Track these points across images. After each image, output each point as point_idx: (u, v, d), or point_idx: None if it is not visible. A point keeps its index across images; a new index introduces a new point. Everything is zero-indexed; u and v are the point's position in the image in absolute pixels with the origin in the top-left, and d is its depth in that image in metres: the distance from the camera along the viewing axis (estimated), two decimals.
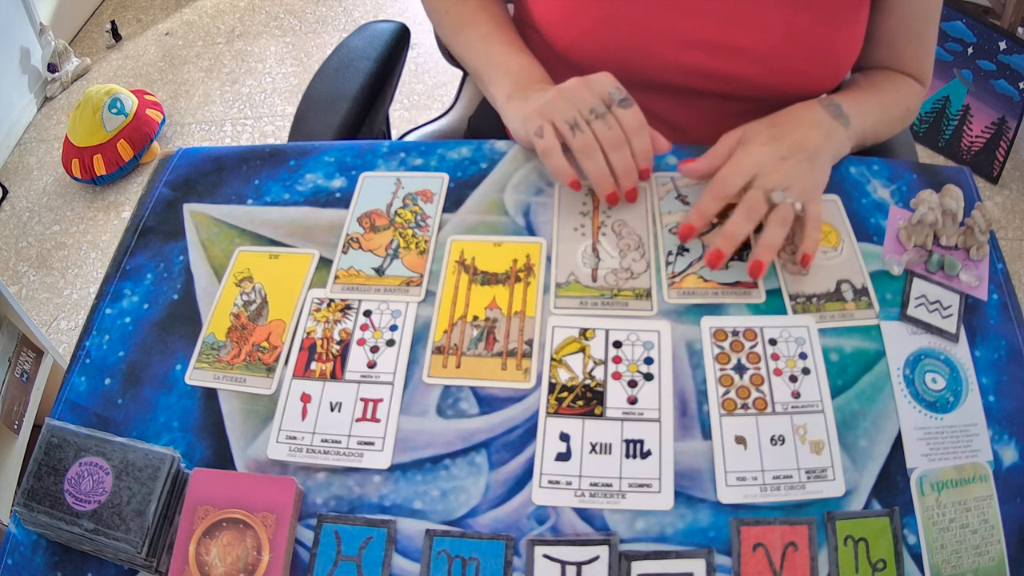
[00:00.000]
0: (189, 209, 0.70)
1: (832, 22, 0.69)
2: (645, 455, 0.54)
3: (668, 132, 0.77)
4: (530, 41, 0.78)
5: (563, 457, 0.54)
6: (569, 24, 0.72)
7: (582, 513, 0.52)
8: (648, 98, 0.76)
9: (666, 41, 0.70)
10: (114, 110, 1.95)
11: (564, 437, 0.55)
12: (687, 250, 0.64)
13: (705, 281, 0.62)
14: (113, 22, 2.44)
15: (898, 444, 0.54)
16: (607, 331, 0.60)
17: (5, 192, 2.02)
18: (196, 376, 0.59)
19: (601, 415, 0.56)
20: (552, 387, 0.57)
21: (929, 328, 0.60)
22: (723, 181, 0.62)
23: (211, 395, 0.58)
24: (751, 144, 0.64)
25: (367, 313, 0.62)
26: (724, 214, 0.63)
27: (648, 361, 0.58)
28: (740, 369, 0.58)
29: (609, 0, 0.70)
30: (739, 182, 0.62)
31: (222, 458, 0.55)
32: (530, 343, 0.59)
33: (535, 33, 0.77)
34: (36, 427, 1.37)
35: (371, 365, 0.59)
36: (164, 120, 2.09)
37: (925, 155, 1.93)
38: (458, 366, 0.59)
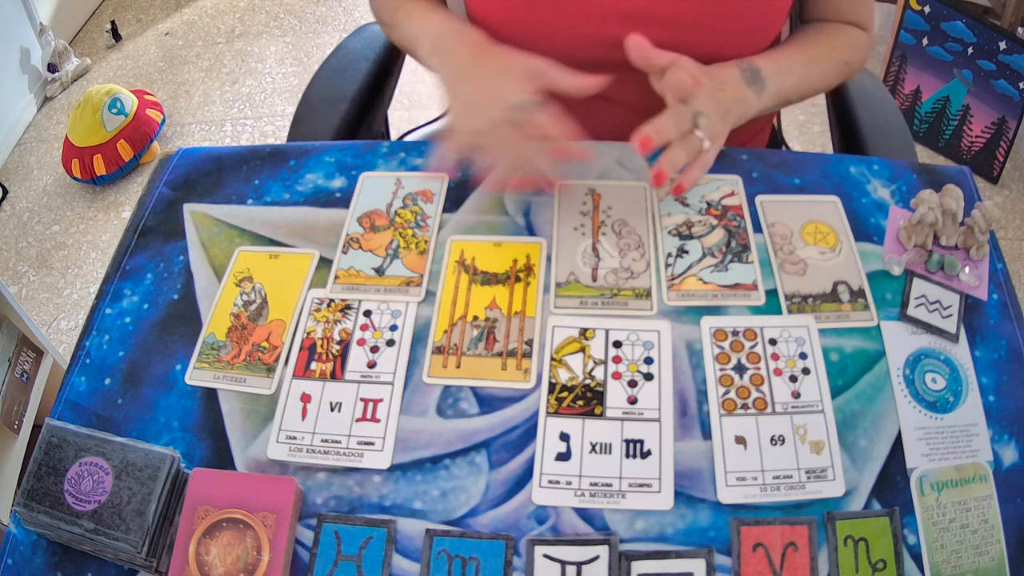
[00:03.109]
0: (189, 209, 0.70)
1: None
2: (645, 455, 0.54)
3: (623, 112, 0.78)
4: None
5: (563, 457, 0.54)
6: (494, 12, 0.73)
7: (582, 513, 0.52)
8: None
9: (585, 17, 0.71)
10: (114, 110, 1.95)
11: (564, 437, 0.55)
12: (687, 252, 0.64)
13: (704, 283, 0.62)
14: (113, 22, 2.44)
15: (898, 444, 0.54)
16: (607, 331, 0.60)
17: (5, 192, 2.02)
18: (196, 376, 0.59)
19: (601, 415, 0.56)
20: (552, 387, 0.57)
21: (929, 328, 0.60)
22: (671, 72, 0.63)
23: (211, 395, 0.58)
24: (687, 68, 0.65)
25: (367, 313, 0.62)
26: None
27: (648, 361, 0.58)
28: (740, 369, 0.58)
29: None
30: (686, 77, 0.63)
31: (222, 458, 0.55)
32: (530, 343, 0.59)
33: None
34: (36, 427, 1.37)
35: (371, 365, 0.59)
36: (164, 120, 2.09)
37: (925, 155, 1.93)
38: (458, 366, 0.59)
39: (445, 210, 0.68)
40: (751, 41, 0.72)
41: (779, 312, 0.60)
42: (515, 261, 0.64)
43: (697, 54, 0.72)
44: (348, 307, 0.62)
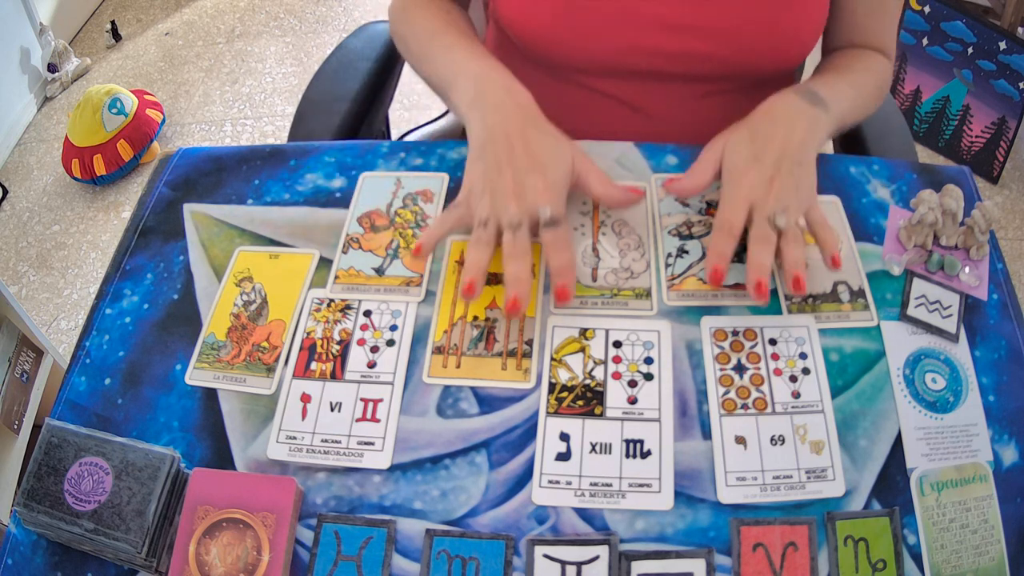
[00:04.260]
0: (189, 209, 0.70)
1: None
2: (645, 455, 0.54)
3: (638, 119, 0.77)
4: (501, 37, 0.78)
5: (563, 457, 0.54)
6: (530, 17, 0.72)
7: (582, 513, 0.52)
8: (614, 84, 0.76)
9: (624, 26, 0.71)
10: (114, 110, 1.95)
11: (564, 437, 0.55)
12: (687, 252, 0.64)
13: (705, 283, 0.62)
14: (113, 22, 2.45)
15: (898, 444, 0.54)
16: (607, 331, 0.60)
17: (5, 192, 2.02)
18: (196, 376, 0.59)
19: (601, 415, 0.56)
20: (552, 387, 0.57)
21: (929, 328, 0.60)
22: (727, 222, 0.60)
23: (211, 395, 0.58)
24: (736, 174, 0.62)
25: (367, 313, 0.62)
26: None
27: (648, 361, 0.58)
28: (740, 369, 0.58)
29: None
30: (741, 217, 0.60)
31: (222, 458, 0.55)
32: (530, 343, 0.59)
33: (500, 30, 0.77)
34: (36, 427, 1.37)
35: (371, 365, 0.59)
36: (164, 120, 2.09)
37: (925, 155, 1.93)
38: (458, 366, 0.59)
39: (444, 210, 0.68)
40: (789, 52, 0.72)
41: (779, 312, 0.60)
42: None
43: (734, 65, 0.72)
44: (348, 307, 0.62)
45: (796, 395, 0.56)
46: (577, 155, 0.63)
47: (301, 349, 0.60)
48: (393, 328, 0.61)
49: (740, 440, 0.54)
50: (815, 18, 0.72)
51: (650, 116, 0.78)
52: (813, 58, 0.81)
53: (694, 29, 0.70)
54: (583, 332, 0.60)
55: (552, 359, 0.58)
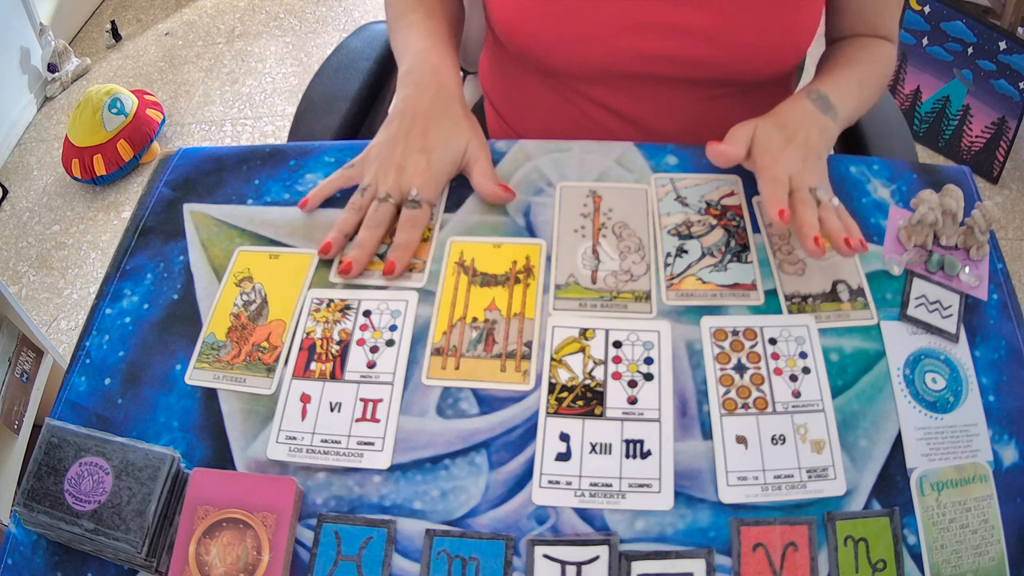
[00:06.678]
0: (189, 209, 0.70)
1: None
2: (645, 455, 0.54)
3: (632, 129, 0.77)
4: (499, 44, 0.78)
5: (563, 457, 0.54)
6: (520, 24, 0.72)
7: (582, 513, 0.52)
8: (609, 93, 0.76)
9: (614, 29, 0.71)
10: (114, 110, 1.95)
11: (564, 437, 0.55)
12: (686, 252, 0.64)
13: (704, 283, 0.62)
14: (113, 22, 2.45)
15: (898, 444, 0.54)
16: (607, 331, 0.60)
17: (5, 192, 2.02)
18: (196, 376, 0.59)
19: (601, 415, 0.56)
20: (552, 387, 0.57)
21: (929, 328, 0.60)
22: (777, 182, 0.62)
23: (211, 395, 0.58)
24: (772, 151, 0.64)
25: (367, 313, 0.62)
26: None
27: (648, 361, 0.58)
28: (740, 369, 0.58)
29: None
30: (785, 182, 0.62)
31: (222, 458, 0.55)
32: (529, 345, 0.59)
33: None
34: (36, 427, 1.37)
35: (371, 365, 0.59)
36: (164, 120, 2.09)
37: (925, 155, 1.93)
38: (457, 368, 0.59)
39: (445, 210, 0.68)
40: (782, 53, 0.72)
41: (779, 312, 0.60)
42: (515, 263, 0.64)
43: (731, 68, 0.72)
44: (348, 307, 0.62)
45: (796, 394, 0.56)
46: (473, 144, 0.67)
47: (301, 349, 0.60)
48: (393, 328, 0.61)
49: (741, 440, 0.54)
50: (808, 17, 0.72)
51: (647, 127, 0.78)
52: (813, 54, 0.81)
53: (684, 30, 0.70)
54: (583, 332, 0.60)
55: (552, 359, 0.58)
